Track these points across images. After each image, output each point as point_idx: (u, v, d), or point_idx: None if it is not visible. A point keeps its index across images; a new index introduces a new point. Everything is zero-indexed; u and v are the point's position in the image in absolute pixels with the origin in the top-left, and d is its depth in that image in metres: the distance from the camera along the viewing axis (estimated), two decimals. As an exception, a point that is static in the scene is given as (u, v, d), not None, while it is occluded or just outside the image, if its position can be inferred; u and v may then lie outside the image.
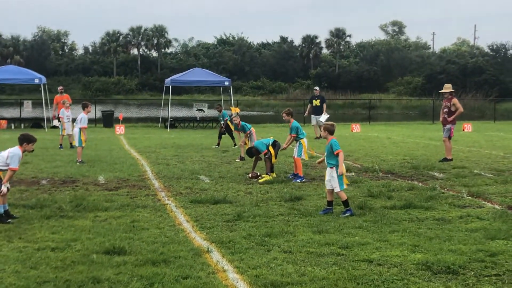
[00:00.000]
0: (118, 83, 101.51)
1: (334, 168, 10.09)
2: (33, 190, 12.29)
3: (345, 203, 10.03)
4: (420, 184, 13.29)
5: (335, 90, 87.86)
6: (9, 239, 8.26)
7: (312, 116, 27.25)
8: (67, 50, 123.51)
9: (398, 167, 16.00)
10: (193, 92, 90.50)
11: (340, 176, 10.04)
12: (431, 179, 13.94)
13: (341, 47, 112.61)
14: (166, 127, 33.31)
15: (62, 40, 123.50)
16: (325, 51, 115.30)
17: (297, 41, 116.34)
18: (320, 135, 26.43)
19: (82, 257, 7.38)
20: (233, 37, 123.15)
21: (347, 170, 15.11)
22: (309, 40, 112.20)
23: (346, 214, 9.86)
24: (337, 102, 69.40)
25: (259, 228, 8.97)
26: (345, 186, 10.30)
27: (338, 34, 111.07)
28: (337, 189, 10.03)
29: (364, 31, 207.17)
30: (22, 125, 33.28)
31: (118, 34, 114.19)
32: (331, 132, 10.44)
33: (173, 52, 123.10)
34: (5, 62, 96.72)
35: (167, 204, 10.94)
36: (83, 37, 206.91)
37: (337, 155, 10.09)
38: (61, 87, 29.52)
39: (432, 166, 16.07)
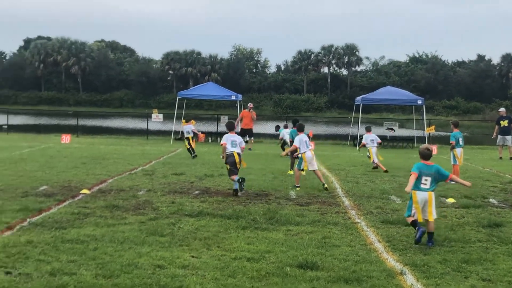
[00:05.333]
0: (307, 100, 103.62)
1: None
2: (229, 201, 12.84)
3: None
4: None
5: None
6: (208, 247, 8.67)
7: (499, 136, 26.84)
8: (260, 68, 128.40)
9: None
10: (382, 111, 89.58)
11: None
12: None
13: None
14: (355, 145, 33.22)
15: (256, 58, 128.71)
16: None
17: (496, 60, 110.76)
18: (501, 157, 25.64)
19: (276, 269, 7.55)
20: (426, 55, 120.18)
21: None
22: (509, 59, 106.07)
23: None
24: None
25: (455, 254, 8.58)
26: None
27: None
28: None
29: None
30: (219, 139, 35.05)
31: (309, 53, 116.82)
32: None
33: (363, 70, 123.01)
34: (203, 79, 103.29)
35: (358, 222, 10.86)
36: (276, 55, 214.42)
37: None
38: (251, 104, 31.01)
39: None
